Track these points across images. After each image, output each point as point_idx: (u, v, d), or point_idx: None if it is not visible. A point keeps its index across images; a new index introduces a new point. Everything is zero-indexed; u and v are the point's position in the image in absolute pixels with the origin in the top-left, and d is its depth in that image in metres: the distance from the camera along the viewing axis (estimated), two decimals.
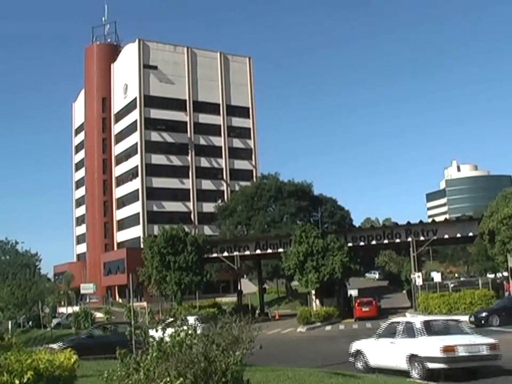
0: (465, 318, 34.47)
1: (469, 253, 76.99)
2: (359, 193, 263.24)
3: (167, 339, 8.45)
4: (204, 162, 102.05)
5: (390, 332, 17.83)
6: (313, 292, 50.40)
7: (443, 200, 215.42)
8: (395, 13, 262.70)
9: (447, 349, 15.31)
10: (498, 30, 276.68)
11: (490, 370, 16.33)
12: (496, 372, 16.39)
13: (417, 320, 18.16)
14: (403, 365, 16.46)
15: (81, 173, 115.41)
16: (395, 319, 22.88)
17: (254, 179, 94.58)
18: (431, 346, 15.69)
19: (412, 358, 16.10)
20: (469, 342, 15.82)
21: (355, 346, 19.39)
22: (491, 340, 16.30)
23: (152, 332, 8.92)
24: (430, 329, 16.71)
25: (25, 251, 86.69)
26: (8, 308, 56.90)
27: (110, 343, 20.46)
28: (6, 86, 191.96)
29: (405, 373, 16.37)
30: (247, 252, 55.31)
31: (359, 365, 18.49)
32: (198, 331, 8.55)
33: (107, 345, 22.05)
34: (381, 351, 17.61)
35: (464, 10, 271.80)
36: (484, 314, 34.35)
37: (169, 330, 8.71)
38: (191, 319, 16.37)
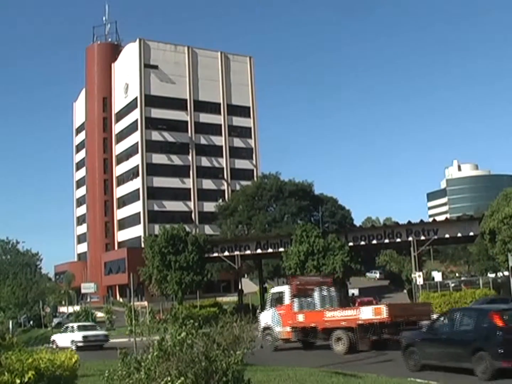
0: None
1: (470, 253, 76.96)
2: (360, 192, 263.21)
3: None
4: (205, 162, 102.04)
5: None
6: None
7: (443, 200, 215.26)
8: (395, 13, 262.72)
9: None
10: (498, 30, 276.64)
11: None
12: None
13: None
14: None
15: (81, 172, 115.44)
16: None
17: (255, 178, 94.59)
18: None
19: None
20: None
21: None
22: None
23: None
24: None
25: (26, 251, 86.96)
26: (9, 308, 57.06)
27: None
28: (6, 85, 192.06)
29: None
30: (248, 252, 55.32)
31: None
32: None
33: None
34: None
35: (465, 8, 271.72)
36: None
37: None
38: None
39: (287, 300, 27.23)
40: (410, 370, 16.81)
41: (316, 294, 26.91)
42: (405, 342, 18.10)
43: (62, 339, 36.20)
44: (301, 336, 26.23)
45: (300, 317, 25.90)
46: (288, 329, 26.51)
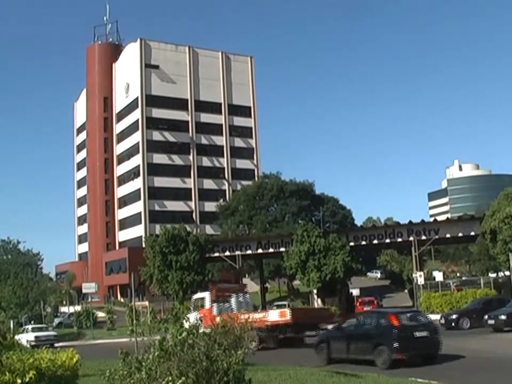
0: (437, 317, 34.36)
1: (471, 252, 76.93)
2: (361, 192, 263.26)
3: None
4: (205, 162, 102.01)
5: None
6: (315, 291, 50.43)
7: (445, 200, 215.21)
8: (396, 13, 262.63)
9: None
10: (499, 30, 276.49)
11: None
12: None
13: None
14: None
15: (82, 172, 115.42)
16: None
17: (256, 178, 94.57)
18: None
19: None
20: None
21: None
22: None
23: None
24: None
25: (27, 251, 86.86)
26: (10, 308, 56.99)
27: None
28: (7, 85, 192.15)
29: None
30: (249, 252, 55.36)
31: None
32: None
33: None
34: None
35: (465, 9, 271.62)
36: (454, 317, 33.07)
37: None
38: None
39: (207, 304, 30.70)
40: (320, 362, 19.67)
41: (233, 300, 30.22)
42: (317, 339, 21.41)
43: (22, 339, 38.02)
44: None
45: (218, 320, 26.75)
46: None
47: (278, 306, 45.29)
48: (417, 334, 18.65)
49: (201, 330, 27.48)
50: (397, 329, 18.46)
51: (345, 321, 21.22)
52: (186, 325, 29.21)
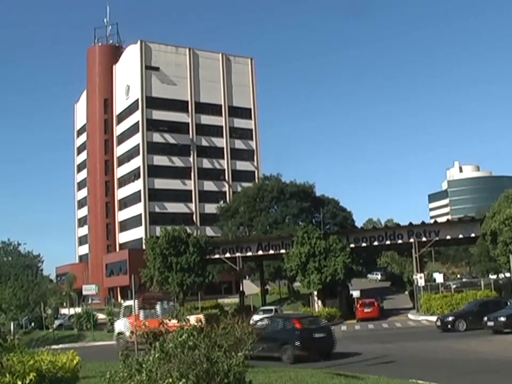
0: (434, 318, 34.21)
1: (471, 254, 76.91)
2: (361, 194, 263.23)
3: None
4: (206, 163, 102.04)
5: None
6: (315, 293, 50.39)
7: (445, 201, 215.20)
8: (396, 14, 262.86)
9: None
10: (499, 29, 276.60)
11: None
12: None
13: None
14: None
15: (83, 174, 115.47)
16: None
17: (256, 180, 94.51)
18: None
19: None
20: None
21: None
22: None
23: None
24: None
25: (27, 253, 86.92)
26: (10, 309, 56.93)
27: None
28: (8, 87, 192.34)
29: None
30: (249, 253, 55.33)
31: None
32: None
33: None
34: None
35: (466, 9, 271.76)
36: (450, 319, 32.88)
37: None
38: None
39: (135, 310, 33.15)
40: None
41: (158, 307, 33.30)
42: None
43: None
44: (145, 340, 32.10)
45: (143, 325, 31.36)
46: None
47: (265, 311, 45.26)
48: (316, 335, 22.77)
49: (127, 333, 30.04)
50: (299, 331, 22.64)
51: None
52: (117, 330, 35.17)
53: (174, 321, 29.81)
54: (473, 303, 36.36)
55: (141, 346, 33.53)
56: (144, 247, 64.33)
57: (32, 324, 61.64)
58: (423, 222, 52.36)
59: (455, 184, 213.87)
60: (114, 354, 9.96)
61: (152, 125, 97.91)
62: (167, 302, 35.16)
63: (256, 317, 33.34)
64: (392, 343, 28.34)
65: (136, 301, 33.09)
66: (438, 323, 33.45)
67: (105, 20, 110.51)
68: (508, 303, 33.24)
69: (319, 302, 50.43)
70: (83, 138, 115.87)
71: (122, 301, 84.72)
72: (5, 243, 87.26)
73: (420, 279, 47.50)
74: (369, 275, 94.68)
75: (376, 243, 52.08)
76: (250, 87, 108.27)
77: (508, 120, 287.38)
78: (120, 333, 35.07)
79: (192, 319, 27.68)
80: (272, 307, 49.46)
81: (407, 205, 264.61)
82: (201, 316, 29.03)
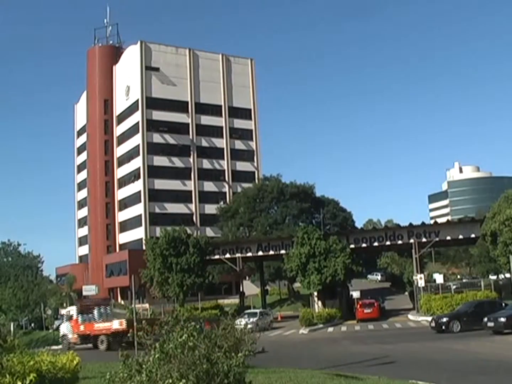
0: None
1: (471, 255, 76.93)
2: (361, 194, 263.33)
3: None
4: (206, 164, 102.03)
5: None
6: (315, 293, 50.37)
7: (445, 202, 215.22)
8: (396, 14, 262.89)
9: None
10: (499, 30, 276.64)
11: None
12: None
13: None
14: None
15: (83, 175, 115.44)
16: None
17: (256, 180, 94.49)
18: None
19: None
20: None
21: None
22: None
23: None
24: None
25: (27, 253, 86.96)
26: (10, 310, 57.03)
27: None
28: (8, 87, 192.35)
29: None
30: (249, 254, 55.32)
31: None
32: None
33: None
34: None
35: (466, 9, 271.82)
36: (444, 320, 32.61)
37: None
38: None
39: (75, 315, 38.89)
40: None
41: (95, 312, 37.91)
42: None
43: None
44: (83, 340, 36.55)
45: (82, 327, 36.67)
46: (75, 336, 37.45)
47: (249, 315, 45.25)
48: None
49: (70, 336, 34.83)
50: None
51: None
52: (61, 332, 40.45)
53: (105, 324, 32.80)
54: (468, 304, 36.22)
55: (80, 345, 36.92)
56: (144, 247, 64.31)
57: (32, 324, 61.69)
58: (423, 223, 52.34)
59: (455, 185, 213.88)
60: (114, 354, 9.94)
61: (152, 125, 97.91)
62: (105, 307, 39.82)
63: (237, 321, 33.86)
64: (392, 343, 28.34)
65: (75, 307, 40.28)
66: (433, 324, 33.25)
67: (105, 20, 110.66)
68: (503, 304, 33.23)
69: (319, 302, 50.41)
70: (83, 138, 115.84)
71: (122, 302, 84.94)
72: (5, 243, 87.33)
73: (420, 280, 47.47)
74: (369, 276, 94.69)
75: (376, 243, 52.05)
76: (250, 87, 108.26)
77: (508, 121, 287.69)
78: (64, 335, 39.50)
79: (117, 323, 30.81)
80: (257, 310, 48.99)
81: (407, 206, 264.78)
82: (123, 320, 33.68)
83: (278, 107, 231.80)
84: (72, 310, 40.79)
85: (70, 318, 39.72)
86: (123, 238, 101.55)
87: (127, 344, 29.47)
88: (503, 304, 33.21)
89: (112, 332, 33.06)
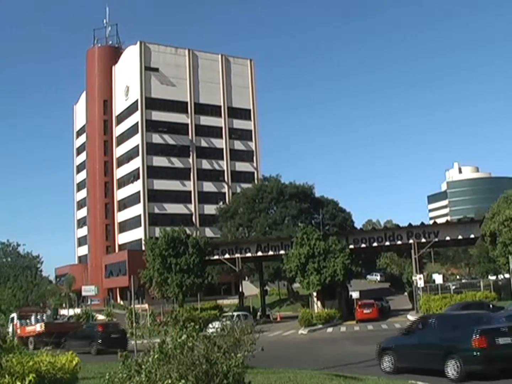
0: None
1: (471, 255, 76.98)
2: (360, 195, 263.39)
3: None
4: (205, 164, 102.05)
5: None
6: (315, 294, 50.37)
7: (444, 202, 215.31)
8: (396, 14, 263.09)
9: None
10: (499, 30, 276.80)
11: None
12: None
13: None
14: None
15: (82, 175, 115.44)
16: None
17: (256, 181, 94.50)
18: None
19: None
20: None
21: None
22: None
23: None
24: None
25: (27, 253, 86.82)
26: (9, 310, 56.89)
27: None
28: (8, 88, 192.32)
29: None
30: (249, 254, 55.30)
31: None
32: None
33: None
34: None
35: (466, 9, 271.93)
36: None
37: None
38: None
39: (15, 321, 43.14)
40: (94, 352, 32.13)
41: (32, 317, 42.04)
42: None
43: None
44: (22, 342, 39.28)
45: (19, 331, 40.56)
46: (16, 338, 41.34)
47: (227, 318, 43.80)
48: (113, 335, 32.89)
49: (15, 337, 32.76)
50: (100, 332, 33.21)
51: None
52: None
53: (32, 328, 38.57)
54: (455, 305, 35.94)
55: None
56: (143, 248, 64.29)
57: None
58: (422, 223, 52.34)
59: (454, 185, 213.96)
60: (114, 355, 9.95)
61: (152, 126, 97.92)
62: (41, 314, 44.60)
63: (210, 325, 34.50)
64: None
65: (16, 314, 45.00)
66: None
67: (104, 21, 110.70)
68: (491, 306, 32.94)
69: (319, 303, 50.41)
70: (82, 139, 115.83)
71: (122, 302, 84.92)
72: (5, 244, 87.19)
73: (419, 280, 47.47)
74: (368, 276, 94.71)
75: (375, 244, 52.04)
76: (249, 88, 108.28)
77: (507, 121, 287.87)
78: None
79: (39, 326, 40.00)
80: (240, 312, 45.88)
81: (407, 206, 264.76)
82: (42, 323, 38.98)
83: (278, 107, 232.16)
84: (14, 316, 45.33)
85: (12, 322, 44.09)
86: (122, 238, 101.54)
87: (52, 344, 30.92)
88: (491, 306, 32.99)
89: (36, 334, 38.29)
